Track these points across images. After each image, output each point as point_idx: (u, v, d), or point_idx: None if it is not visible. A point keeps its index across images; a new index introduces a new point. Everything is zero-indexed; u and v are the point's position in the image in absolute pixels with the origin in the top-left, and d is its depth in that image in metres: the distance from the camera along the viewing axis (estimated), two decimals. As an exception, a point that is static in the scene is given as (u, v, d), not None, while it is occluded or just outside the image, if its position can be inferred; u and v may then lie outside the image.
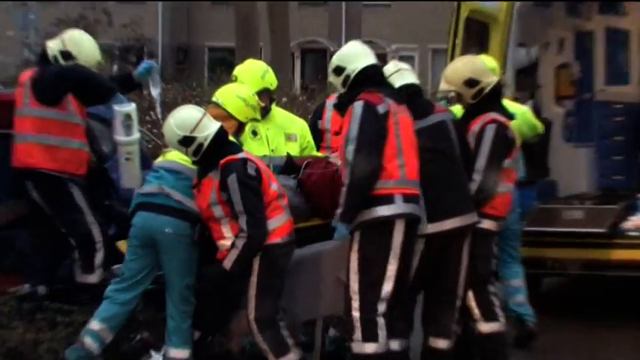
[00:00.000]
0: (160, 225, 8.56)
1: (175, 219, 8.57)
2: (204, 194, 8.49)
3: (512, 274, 10.65)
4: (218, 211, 8.45)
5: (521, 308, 10.68)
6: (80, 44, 9.88)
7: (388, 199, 8.47)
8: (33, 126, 9.54)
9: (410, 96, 9.06)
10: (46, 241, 9.77)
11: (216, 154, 8.48)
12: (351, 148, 8.43)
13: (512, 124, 9.86)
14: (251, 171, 8.43)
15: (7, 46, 25.05)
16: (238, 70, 9.77)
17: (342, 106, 8.88)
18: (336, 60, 8.92)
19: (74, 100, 9.57)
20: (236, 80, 9.63)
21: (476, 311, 9.36)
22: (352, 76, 8.77)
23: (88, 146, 9.75)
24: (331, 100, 10.04)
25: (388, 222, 8.48)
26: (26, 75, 9.81)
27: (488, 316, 9.38)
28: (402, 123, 8.58)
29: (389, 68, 9.25)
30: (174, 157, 8.74)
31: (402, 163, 8.50)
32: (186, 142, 8.47)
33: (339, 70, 8.85)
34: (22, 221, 10.17)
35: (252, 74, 9.60)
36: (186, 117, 8.57)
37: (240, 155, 8.51)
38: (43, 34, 25.72)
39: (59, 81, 9.60)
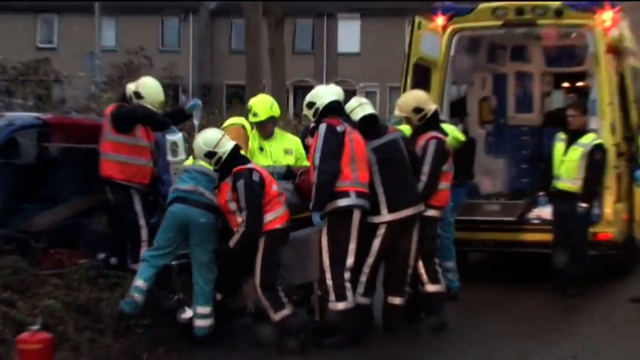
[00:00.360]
0: (196, 216, 8.61)
1: (207, 212, 8.63)
2: (222, 193, 8.55)
3: (447, 256, 10.58)
4: (233, 206, 8.50)
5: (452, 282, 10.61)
6: (148, 88, 9.81)
7: (345, 194, 8.71)
8: (111, 147, 9.54)
9: (370, 122, 9.20)
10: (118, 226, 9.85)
11: (231, 164, 8.56)
12: (317, 156, 8.69)
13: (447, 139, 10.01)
14: (255, 178, 8.50)
15: (78, 83, 24.95)
16: (252, 101, 9.73)
17: (312, 131, 9.04)
18: (308, 97, 9.15)
19: (142, 129, 9.60)
20: (251, 109, 9.65)
21: (424, 277, 9.45)
22: (320, 108, 8.96)
23: (152, 162, 9.72)
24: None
25: (348, 211, 8.67)
26: (109, 109, 9.79)
27: (434, 279, 9.47)
28: (355, 140, 8.79)
29: (352, 104, 9.35)
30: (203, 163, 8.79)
31: (354, 169, 8.73)
32: (209, 155, 8.58)
33: (310, 105, 9.07)
34: (91, 211, 10.21)
35: (263, 105, 9.59)
36: (210, 137, 8.68)
37: (248, 166, 8.59)
38: (104, 75, 25.71)
39: (128, 118, 9.64)
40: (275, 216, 8.58)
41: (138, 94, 9.70)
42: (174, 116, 10.29)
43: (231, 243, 8.53)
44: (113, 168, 9.47)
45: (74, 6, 44.38)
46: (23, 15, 47.98)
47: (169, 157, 9.35)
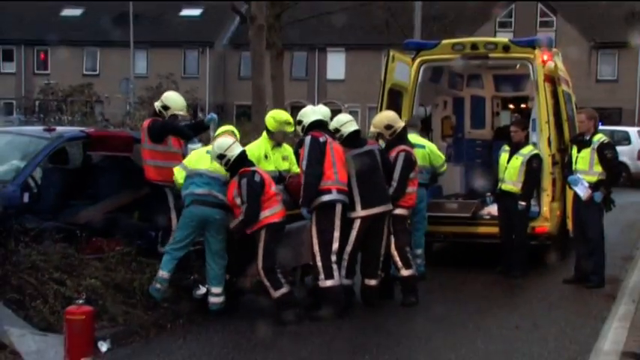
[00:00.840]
0: (213, 214, 8.57)
1: (220, 210, 8.58)
2: (230, 190, 8.54)
3: (418, 245, 10.61)
4: (238, 200, 8.48)
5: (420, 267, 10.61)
6: (171, 100, 9.78)
7: (328, 192, 8.77)
8: (149, 154, 9.56)
9: (353, 136, 9.21)
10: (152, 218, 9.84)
11: (238, 166, 8.54)
12: (304, 163, 8.80)
13: (419, 152, 10.17)
14: (256, 179, 8.48)
15: (116, 103, 24.93)
16: (272, 113, 9.85)
17: (300, 143, 9.09)
18: (298, 117, 9.24)
19: (173, 137, 9.58)
20: (288, 121, 9.63)
21: (399, 263, 9.43)
22: (306, 125, 9.03)
23: None
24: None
25: (331, 205, 8.70)
26: (145, 124, 9.78)
27: (407, 265, 9.45)
28: (335, 149, 8.89)
29: (342, 119, 9.34)
30: (216, 166, 8.67)
31: (335, 171, 8.80)
32: (221, 157, 8.57)
33: (299, 122, 9.17)
34: (125, 207, 10.18)
35: (279, 118, 9.56)
36: (222, 142, 8.66)
37: (252, 168, 8.57)
38: (137, 96, 25.64)
39: (160, 130, 9.62)
40: (273, 212, 8.55)
41: (165, 107, 9.72)
42: (196, 127, 10.33)
43: (231, 225, 8.55)
44: (151, 171, 9.50)
45: (113, 41, 44.34)
46: (72, 48, 47.88)
47: None
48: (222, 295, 8.73)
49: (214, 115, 10.38)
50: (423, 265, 10.68)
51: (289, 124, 9.58)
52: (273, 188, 8.64)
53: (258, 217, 8.47)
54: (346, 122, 9.27)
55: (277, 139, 9.57)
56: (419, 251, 10.60)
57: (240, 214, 8.48)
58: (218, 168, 8.69)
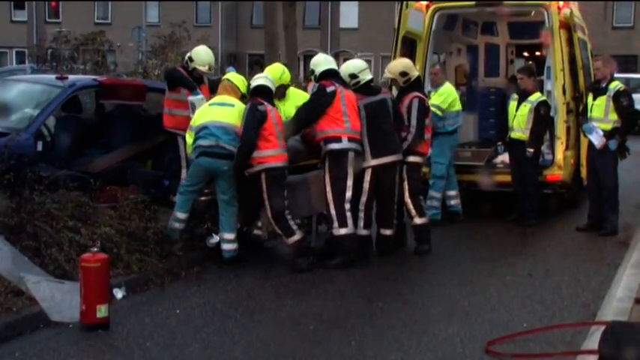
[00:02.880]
0: (220, 165, 8.52)
1: (228, 160, 8.50)
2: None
3: (452, 186, 11.08)
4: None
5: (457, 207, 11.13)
6: (197, 54, 9.81)
7: (338, 140, 8.70)
8: (166, 102, 9.73)
9: (366, 84, 9.13)
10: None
11: (251, 96, 8.67)
12: (303, 104, 9.09)
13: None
14: (260, 109, 8.50)
15: (128, 52, 24.77)
16: (266, 70, 9.59)
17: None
18: (311, 65, 9.22)
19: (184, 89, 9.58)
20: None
21: (413, 211, 9.43)
22: (317, 74, 8.99)
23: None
24: (310, 86, 10.15)
25: (342, 153, 8.66)
26: None
27: (420, 214, 9.45)
28: (346, 97, 8.82)
29: (360, 65, 9.26)
30: (219, 116, 8.61)
31: (347, 120, 8.73)
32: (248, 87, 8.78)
33: (312, 71, 9.13)
34: (138, 156, 10.20)
35: (274, 74, 9.34)
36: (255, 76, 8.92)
37: (262, 101, 8.58)
38: (149, 45, 25.47)
39: (167, 78, 9.79)
40: (272, 154, 8.50)
41: (190, 58, 9.77)
42: (216, 83, 10.28)
43: (234, 163, 8.49)
44: (166, 118, 9.64)
45: (125, -12, 44.13)
46: (84, -3, 47.66)
47: (190, 114, 9.26)
48: (235, 242, 8.74)
49: (233, 68, 10.33)
50: (459, 205, 11.18)
51: (283, 76, 9.46)
52: (276, 128, 8.56)
53: (254, 146, 8.41)
54: (364, 69, 9.20)
55: (278, 95, 9.41)
56: (453, 192, 11.07)
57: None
58: (224, 118, 8.61)
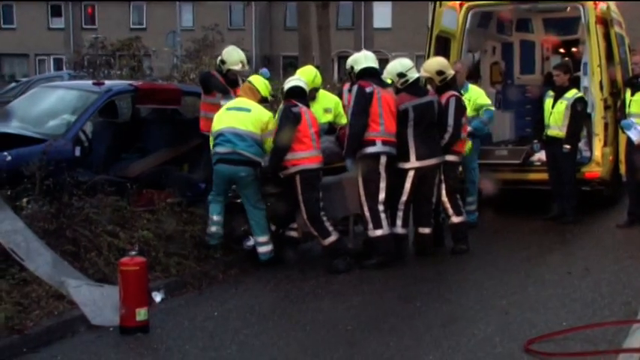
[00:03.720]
0: (237, 171, 8.52)
1: (245, 166, 8.50)
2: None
3: (471, 193, 10.70)
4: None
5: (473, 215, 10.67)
6: (228, 55, 9.84)
7: (372, 143, 8.68)
8: (201, 106, 9.77)
9: (413, 84, 9.11)
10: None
11: (285, 98, 8.66)
12: (349, 113, 8.81)
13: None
14: (295, 110, 8.49)
15: (163, 57, 24.99)
16: (298, 72, 9.60)
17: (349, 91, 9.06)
18: (349, 62, 9.15)
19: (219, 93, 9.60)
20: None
21: (450, 210, 9.40)
22: (357, 72, 8.90)
23: None
24: (346, 87, 10.04)
25: (375, 156, 8.64)
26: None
27: (458, 212, 9.43)
28: (383, 99, 8.75)
29: (407, 64, 9.19)
30: (235, 122, 8.58)
31: (381, 122, 8.68)
32: (282, 92, 8.76)
33: (351, 68, 9.04)
34: (174, 160, 10.26)
35: (306, 77, 9.32)
36: (289, 78, 8.93)
37: (297, 103, 8.57)
38: (184, 49, 25.68)
39: (202, 83, 9.84)
40: (307, 155, 8.51)
41: (222, 61, 9.78)
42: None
43: (266, 163, 8.52)
44: (202, 122, 9.63)
45: (159, -6, 44.54)
46: (119, 2, 48.09)
47: None
48: (270, 244, 8.75)
49: (266, 71, 10.35)
50: (474, 213, 10.68)
51: (315, 79, 9.46)
52: (310, 130, 8.56)
53: (288, 147, 8.42)
54: (412, 67, 9.17)
55: (309, 97, 9.30)
56: (471, 199, 10.63)
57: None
58: (239, 124, 8.56)
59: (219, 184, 8.73)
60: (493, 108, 11.07)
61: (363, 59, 9.05)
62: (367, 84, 8.75)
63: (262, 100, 8.89)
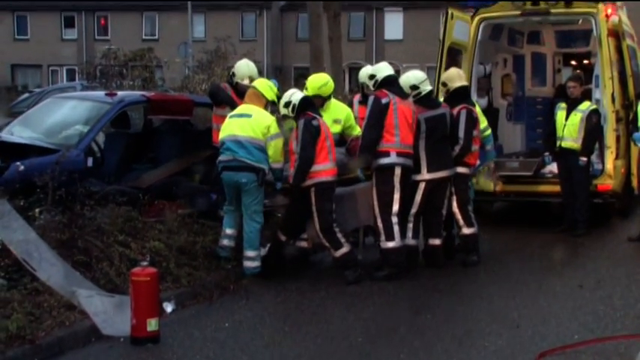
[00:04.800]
0: (238, 177, 8.49)
1: (246, 173, 8.46)
2: (294, 136, 8.54)
3: None
4: (295, 144, 8.51)
5: None
6: (238, 68, 9.86)
7: (387, 155, 8.65)
8: (213, 118, 9.76)
9: (426, 97, 9.10)
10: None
11: (301, 111, 8.54)
12: (364, 124, 8.76)
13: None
14: (315, 123, 8.45)
15: (175, 67, 25.05)
16: (309, 78, 9.58)
17: (367, 98, 9.04)
18: (371, 70, 9.12)
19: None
20: (304, 84, 9.50)
21: (461, 222, 9.40)
22: (379, 80, 8.82)
23: None
24: (356, 98, 9.99)
25: (389, 168, 8.62)
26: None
27: (469, 224, 9.41)
28: (400, 110, 8.70)
29: (421, 76, 9.19)
30: (235, 129, 8.55)
31: (397, 133, 8.64)
32: (286, 105, 8.60)
33: (372, 76, 8.98)
34: (186, 170, 10.27)
35: (314, 83, 9.31)
36: (287, 92, 8.75)
37: (313, 115, 8.54)
38: (195, 60, 25.74)
39: (212, 96, 9.84)
40: (324, 168, 8.48)
41: (233, 74, 9.84)
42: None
43: (291, 179, 8.48)
44: (214, 134, 9.60)
45: (171, 5, 44.63)
46: (131, 13, 48.32)
47: None
48: (257, 260, 8.64)
49: (275, 82, 10.35)
50: None
51: (323, 87, 9.32)
52: (327, 142, 8.55)
53: (312, 162, 8.39)
54: (424, 80, 9.18)
55: (316, 105, 9.25)
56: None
57: (295, 162, 8.45)
58: (240, 131, 8.54)
59: (227, 192, 8.74)
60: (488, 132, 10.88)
61: (385, 67, 9.03)
62: (384, 94, 8.70)
63: (271, 104, 8.88)
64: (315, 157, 8.42)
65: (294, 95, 8.68)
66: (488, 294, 8.37)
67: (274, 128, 8.61)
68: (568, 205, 11.05)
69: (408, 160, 8.77)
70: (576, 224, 10.90)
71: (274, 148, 8.57)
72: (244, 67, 9.93)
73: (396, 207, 8.69)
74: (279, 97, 8.92)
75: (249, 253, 8.60)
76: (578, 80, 11.21)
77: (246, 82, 9.73)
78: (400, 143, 8.69)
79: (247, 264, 8.62)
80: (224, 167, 8.58)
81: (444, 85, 9.62)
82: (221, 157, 8.62)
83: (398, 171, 8.69)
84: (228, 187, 8.67)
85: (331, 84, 9.52)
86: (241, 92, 9.75)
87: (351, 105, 10.16)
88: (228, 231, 8.76)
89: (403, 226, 8.82)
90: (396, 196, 8.68)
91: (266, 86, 8.91)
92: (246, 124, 8.56)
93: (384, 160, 8.69)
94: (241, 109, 8.81)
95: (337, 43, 26.58)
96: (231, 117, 8.77)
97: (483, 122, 10.30)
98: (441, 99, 9.72)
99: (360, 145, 8.79)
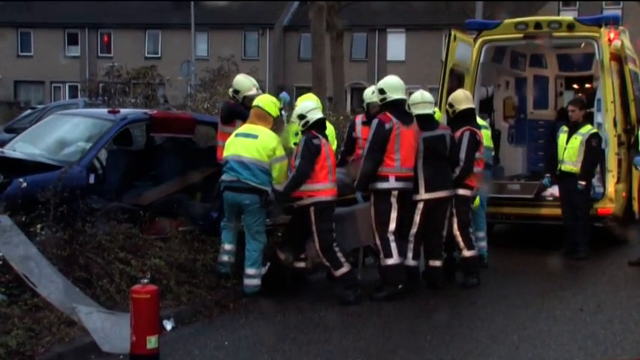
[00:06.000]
0: (241, 199, 8.53)
1: (249, 194, 8.50)
2: (296, 152, 8.61)
3: (480, 228, 10.33)
4: (297, 160, 8.56)
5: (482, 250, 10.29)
6: (240, 82, 9.87)
7: (385, 179, 8.69)
8: (219, 135, 9.70)
9: (425, 118, 9.10)
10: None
11: (309, 129, 8.59)
12: (367, 147, 8.75)
13: (484, 132, 10.00)
14: (316, 142, 8.49)
15: (177, 85, 25.14)
16: (301, 99, 9.71)
17: (371, 118, 9.02)
18: (384, 85, 8.96)
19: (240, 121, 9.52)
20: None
21: (462, 244, 9.41)
22: (388, 100, 8.81)
23: None
24: (359, 119, 9.95)
25: (387, 192, 8.63)
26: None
27: (469, 246, 9.43)
28: (402, 135, 8.72)
29: (416, 98, 9.22)
30: (240, 150, 8.57)
31: (397, 158, 8.66)
32: (301, 117, 8.65)
33: (382, 92, 8.88)
34: (187, 188, 10.29)
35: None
36: (306, 105, 8.79)
37: (317, 134, 8.58)
38: (198, 78, 25.85)
39: (227, 113, 9.73)
40: (324, 187, 8.52)
41: (236, 91, 9.80)
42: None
43: (282, 187, 8.50)
44: (219, 151, 9.57)
45: (174, 24, 44.82)
46: (135, 31, 48.50)
47: None
48: (257, 278, 8.65)
49: (286, 95, 10.38)
50: (486, 250, 10.41)
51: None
52: (328, 162, 8.58)
53: (308, 176, 8.42)
54: (418, 103, 9.17)
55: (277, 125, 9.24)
56: (481, 234, 10.38)
57: (293, 172, 8.50)
58: (245, 152, 8.56)
59: (228, 210, 8.77)
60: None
61: (398, 89, 8.89)
62: (388, 119, 8.70)
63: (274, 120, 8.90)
64: (312, 174, 8.46)
65: (312, 113, 8.68)
66: (487, 315, 8.38)
67: (280, 150, 8.64)
68: (569, 229, 11.07)
69: (408, 183, 8.80)
70: (577, 247, 10.92)
71: (279, 170, 8.60)
72: (245, 80, 9.96)
73: (392, 225, 8.71)
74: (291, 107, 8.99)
75: (250, 271, 8.61)
76: (578, 104, 11.25)
77: (253, 92, 9.71)
78: (400, 167, 8.73)
79: (247, 282, 8.63)
80: (226, 187, 8.60)
81: (451, 106, 9.66)
82: (224, 177, 8.63)
83: (395, 194, 8.74)
84: (229, 206, 8.70)
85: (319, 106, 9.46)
86: (249, 108, 9.76)
87: (353, 125, 10.20)
88: (227, 247, 8.80)
89: (402, 244, 8.84)
90: (393, 215, 8.71)
91: (270, 104, 8.89)
92: (252, 146, 8.57)
93: (382, 185, 8.72)
94: (247, 128, 8.77)
95: (339, 64, 26.77)
96: (236, 135, 8.77)
97: (488, 143, 10.41)
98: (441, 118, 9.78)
99: (360, 169, 8.80)
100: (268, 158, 8.56)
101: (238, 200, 8.55)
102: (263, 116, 8.76)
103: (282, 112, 9.94)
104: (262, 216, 8.64)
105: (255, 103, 8.98)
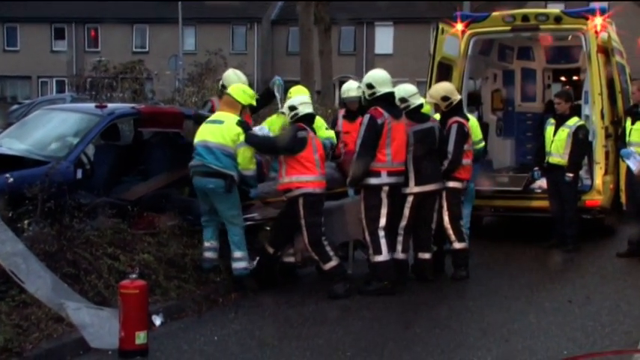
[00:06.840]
0: (206, 183, 8.55)
1: (214, 178, 8.50)
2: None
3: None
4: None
5: None
6: (229, 80, 9.85)
7: (377, 174, 8.65)
8: None
9: (415, 110, 9.10)
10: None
11: (297, 121, 8.61)
12: (358, 142, 8.68)
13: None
14: (302, 135, 8.51)
15: (165, 80, 25.02)
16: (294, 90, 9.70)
17: (361, 111, 9.02)
18: (371, 79, 8.91)
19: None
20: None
21: (452, 236, 9.41)
22: (377, 95, 8.77)
23: None
24: (341, 113, 9.97)
25: (378, 187, 8.61)
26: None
27: (460, 238, 9.43)
28: (394, 129, 8.71)
29: (411, 90, 9.23)
30: (206, 135, 8.61)
31: (388, 153, 8.64)
32: (291, 108, 8.69)
33: (370, 87, 8.84)
34: (176, 183, 10.25)
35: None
36: (300, 98, 8.88)
37: (305, 127, 8.59)
38: (186, 73, 25.77)
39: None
40: (311, 179, 8.51)
41: (224, 86, 9.78)
42: (264, 97, 10.37)
43: (253, 135, 8.60)
44: None
45: (162, 18, 44.71)
46: (122, 25, 48.36)
47: None
48: (245, 261, 8.67)
49: (279, 78, 10.36)
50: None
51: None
52: (315, 156, 8.57)
53: (279, 150, 8.53)
54: (415, 94, 9.19)
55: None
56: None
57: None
58: (210, 137, 8.59)
59: (201, 202, 8.78)
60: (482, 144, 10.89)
61: (386, 82, 8.87)
62: (379, 114, 8.66)
63: (250, 109, 8.94)
64: (300, 166, 8.47)
65: (303, 107, 8.71)
66: (477, 308, 8.39)
67: (243, 136, 8.63)
68: (557, 221, 11.09)
69: (399, 177, 8.80)
70: (565, 239, 10.94)
71: (242, 155, 8.57)
72: (232, 76, 9.96)
73: (383, 221, 8.70)
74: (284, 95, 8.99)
75: (237, 254, 8.64)
76: (564, 96, 11.26)
77: None
78: (392, 162, 8.71)
79: (235, 265, 8.65)
80: (194, 172, 8.65)
81: (446, 99, 9.58)
82: (192, 162, 8.69)
83: (386, 189, 8.71)
84: (200, 195, 8.72)
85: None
86: None
87: (335, 119, 10.19)
88: (208, 243, 8.79)
89: (392, 239, 8.83)
90: (384, 211, 8.70)
91: (239, 92, 8.93)
92: (217, 131, 8.61)
93: (374, 181, 8.70)
94: (215, 115, 8.90)
95: (327, 57, 26.76)
96: (206, 123, 8.85)
97: (478, 135, 10.38)
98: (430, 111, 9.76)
99: (353, 164, 8.76)
100: (233, 143, 8.54)
101: (204, 184, 8.57)
102: (231, 103, 8.82)
103: (276, 94, 9.97)
104: (232, 200, 8.61)
105: (227, 90, 9.06)
